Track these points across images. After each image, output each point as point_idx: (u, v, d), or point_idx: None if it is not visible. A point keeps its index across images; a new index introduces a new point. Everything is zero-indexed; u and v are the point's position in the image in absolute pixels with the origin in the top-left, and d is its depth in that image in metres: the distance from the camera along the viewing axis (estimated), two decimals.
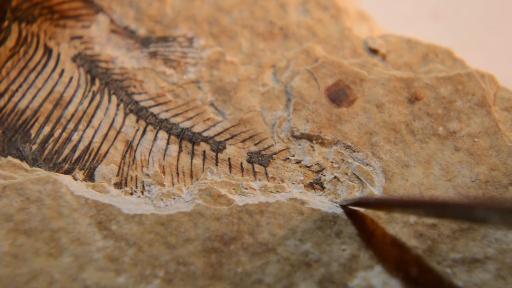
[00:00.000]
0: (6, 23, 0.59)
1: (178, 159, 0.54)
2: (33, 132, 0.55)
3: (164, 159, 0.54)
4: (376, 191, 0.53)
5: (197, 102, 0.58)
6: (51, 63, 0.58)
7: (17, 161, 0.53)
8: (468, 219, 0.42)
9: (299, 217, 0.51)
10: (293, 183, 0.54)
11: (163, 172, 0.54)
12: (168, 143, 0.55)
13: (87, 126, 0.56)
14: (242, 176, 0.54)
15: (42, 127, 0.55)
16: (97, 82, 0.58)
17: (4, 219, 0.49)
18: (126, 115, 0.56)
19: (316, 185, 0.54)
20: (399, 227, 0.51)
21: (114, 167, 0.54)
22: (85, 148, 0.55)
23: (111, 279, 0.48)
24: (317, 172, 0.54)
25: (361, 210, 0.51)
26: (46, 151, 0.54)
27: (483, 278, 0.49)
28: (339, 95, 0.57)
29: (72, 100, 0.57)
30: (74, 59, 0.59)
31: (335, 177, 0.54)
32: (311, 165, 0.55)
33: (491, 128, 0.55)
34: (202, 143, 0.55)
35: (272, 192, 0.53)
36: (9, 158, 0.53)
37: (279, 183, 0.54)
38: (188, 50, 0.61)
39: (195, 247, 0.50)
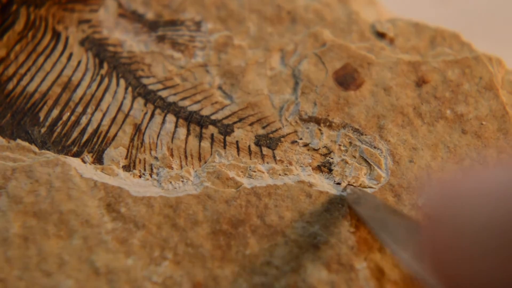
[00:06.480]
0: (14, 7, 0.59)
1: (186, 142, 0.55)
2: (41, 115, 0.55)
3: (172, 142, 0.55)
4: (383, 173, 0.53)
5: (205, 86, 0.58)
6: (60, 47, 0.58)
7: (26, 144, 0.53)
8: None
9: (307, 200, 0.51)
10: (301, 166, 0.54)
11: (172, 155, 0.54)
12: (176, 126, 0.55)
13: (96, 109, 0.56)
14: (250, 159, 0.54)
15: (50, 110, 0.55)
16: (105, 65, 0.58)
17: (14, 201, 0.49)
18: (134, 98, 0.56)
19: (324, 168, 0.54)
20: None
21: (122, 150, 0.54)
22: (94, 131, 0.55)
23: (120, 261, 0.48)
24: (325, 155, 0.54)
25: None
26: (55, 134, 0.54)
27: None
28: (346, 79, 0.57)
29: (80, 84, 0.57)
30: (82, 42, 0.59)
31: (343, 160, 0.54)
32: (319, 148, 0.55)
33: (498, 111, 0.55)
34: (210, 126, 0.55)
35: (280, 175, 0.53)
36: (18, 141, 0.53)
37: (287, 166, 0.54)
38: (196, 34, 0.61)
39: (204, 229, 0.50)
